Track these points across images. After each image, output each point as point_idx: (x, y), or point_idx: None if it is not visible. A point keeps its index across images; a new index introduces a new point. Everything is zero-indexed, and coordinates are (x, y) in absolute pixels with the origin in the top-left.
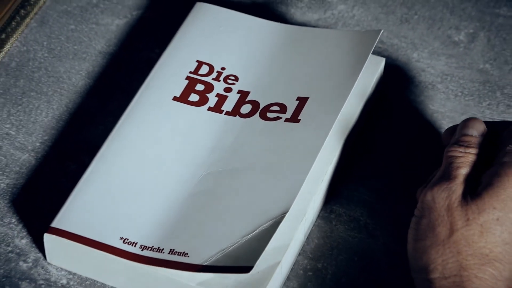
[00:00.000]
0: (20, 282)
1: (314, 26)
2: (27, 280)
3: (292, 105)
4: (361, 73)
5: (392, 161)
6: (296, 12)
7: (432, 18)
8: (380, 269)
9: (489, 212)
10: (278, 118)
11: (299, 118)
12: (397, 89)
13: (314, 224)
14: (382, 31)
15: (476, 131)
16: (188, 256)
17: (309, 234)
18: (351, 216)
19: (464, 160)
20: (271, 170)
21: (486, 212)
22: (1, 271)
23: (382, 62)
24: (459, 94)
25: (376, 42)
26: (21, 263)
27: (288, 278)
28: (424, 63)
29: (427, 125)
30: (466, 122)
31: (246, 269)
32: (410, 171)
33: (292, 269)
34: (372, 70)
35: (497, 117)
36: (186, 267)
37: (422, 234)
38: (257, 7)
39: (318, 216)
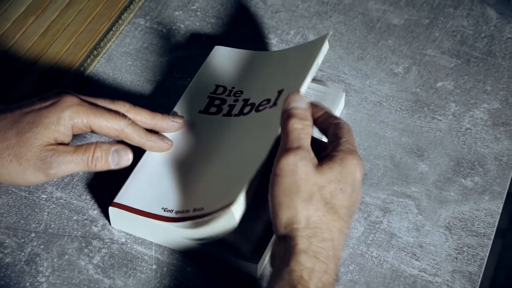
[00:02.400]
0: (92, 241)
1: None
2: (97, 239)
3: (274, 97)
4: (316, 61)
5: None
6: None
7: (379, 57)
8: None
9: (336, 183)
10: (265, 107)
11: (277, 102)
12: (355, 105)
13: None
14: (330, 33)
15: (304, 103)
16: (203, 209)
17: None
18: None
19: (306, 132)
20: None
21: (334, 182)
22: (79, 232)
23: (342, 95)
24: (398, 109)
25: (326, 40)
26: (93, 227)
27: None
28: (373, 87)
29: (375, 132)
30: (292, 96)
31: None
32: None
33: None
34: (337, 99)
35: (425, 125)
36: (201, 216)
37: (288, 191)
38: (258, 47)
39: None
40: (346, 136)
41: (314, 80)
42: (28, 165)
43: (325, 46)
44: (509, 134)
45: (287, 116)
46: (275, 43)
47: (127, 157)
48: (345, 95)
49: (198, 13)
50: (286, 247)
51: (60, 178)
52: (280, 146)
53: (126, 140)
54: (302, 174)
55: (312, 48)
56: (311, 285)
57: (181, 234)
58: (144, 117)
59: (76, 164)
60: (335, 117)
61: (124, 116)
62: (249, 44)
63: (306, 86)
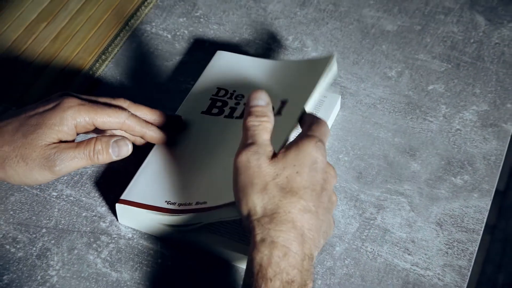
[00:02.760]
0: (100, 236)
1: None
2: (105, 235)
3: (277, 106)
4: (321, 82)
5: (346, 149)
6: (283, 57)
7: (374, 61)
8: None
9: (291, 167)
10: None
11: (281, 112)
12: (350, 107)
13: None
14: (335, 54)
15: (263, 100)
16: (206, 203)
17: None
18: None
19: (262, 127)
20: None
21: (289, 168)
22: (88, 228)
23: (338, 98)
24: (392, 111)
25: (334, 61)
26: (101, 223)
27: None
28: (368, 91)
29: (370, 132)
30: (253, 94)
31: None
32: (356, 161)
33: None
34: (334, 103)
35: (417, 126)
36: (205, 209)
37: (243, 186)
38: (258, 52)
39: None
40: (314, 127)
41: None
42: (34, 165)
43: (334, 67)
44: (497, 135)
45: (246, 114)
46: (274, 48)
47: (127, 148)
48: (341, 97)
49: (201, 19)
50: (251, 239)
51: (69, 176)
52: (239, 144)
53: (128, 132)
54: (255, 168)
55: (319, 65)
56: (269, 271)
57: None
58: (144, 113)
59: (80, 159)
60: (312, 115)
61: (124, 109)
62: (250, 49)
63: (314, 101)
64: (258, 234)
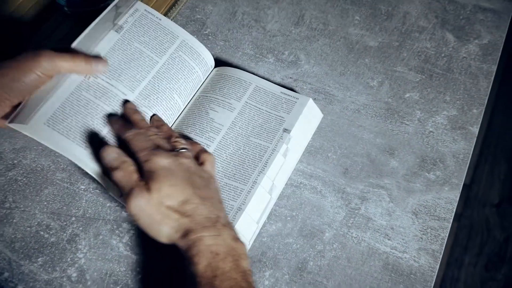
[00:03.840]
0: (122, 223)
1: (290, 78)
2: (126, 222)
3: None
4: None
5: (334, 149)
6: (280, 69)
7: (358, 73)
8: (328, 214)
9: (166, 188)
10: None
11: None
12: (337, 112)
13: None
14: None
15: (113, 152)
16: None
17: (289, 197)
18: (312, 185)
19: (126, 172)
20: None
21: (163, 190)
22: (112, 216)
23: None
24: (373, 116)
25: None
26: (123, 212)
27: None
28: (353, 98)
29: (355, 134)
30: (102, 151)
31: None
32: (342, 159)
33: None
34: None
35: (395, 129)
36: None
37: (150, 227)
38: (258, 65)
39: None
40: (134, 147)
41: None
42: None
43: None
44: (465, 136)
45: (108, 170)
46: (272, 61)
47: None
48: (329, 104)
49: (210, 37)
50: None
51: None
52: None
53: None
54: (147, 207)
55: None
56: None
57: None
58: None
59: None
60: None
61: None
62: (251, 62)
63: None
64: (195, 246)
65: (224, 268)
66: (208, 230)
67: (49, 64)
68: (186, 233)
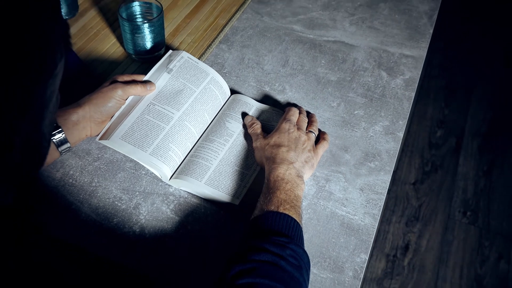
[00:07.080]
0: (169, 196)
1: (279, 101)
2: (172, 195)
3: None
4: None
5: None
6: (272, 96)
7: (323, 98)
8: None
9: (275, 145)
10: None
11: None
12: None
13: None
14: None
15: (249, 117)
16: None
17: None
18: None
19: (255, 128)
20: None
21: (274, 137)
22: (162, 191)
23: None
24: (334, 125)
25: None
26: (170, 189)
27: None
28: (321, 114)
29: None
30: (246, 119)
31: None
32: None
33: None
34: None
35: (348, 134)
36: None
37: (263, 160)
38: (259, 92)
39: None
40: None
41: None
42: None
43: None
44: (393, 139)
45: (247, 128)
46: (268, 90)
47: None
48: None
49: (226, 74)
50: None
51: None
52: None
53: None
54: (262, 148)
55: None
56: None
57: (203, 193)
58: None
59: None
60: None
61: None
62: (253, 90)
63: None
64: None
65: (287, 183)
66: (288, 166)
67: (122, 91)
68: (275, 162)
